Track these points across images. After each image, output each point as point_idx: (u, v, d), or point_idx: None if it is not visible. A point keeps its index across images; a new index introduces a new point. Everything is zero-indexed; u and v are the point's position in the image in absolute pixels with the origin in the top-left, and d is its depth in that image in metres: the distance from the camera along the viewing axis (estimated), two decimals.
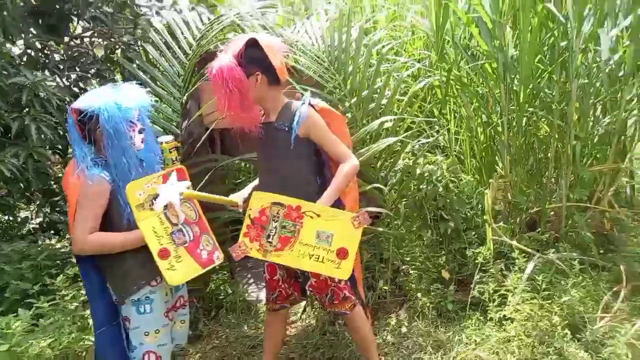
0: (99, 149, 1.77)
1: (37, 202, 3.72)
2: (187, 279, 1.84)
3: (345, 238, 1.84)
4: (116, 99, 1.72)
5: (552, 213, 3.15)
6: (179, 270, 1.79)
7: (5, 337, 1.88)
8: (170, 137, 1.93)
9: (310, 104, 1.94)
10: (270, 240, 1.85)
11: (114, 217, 1.78)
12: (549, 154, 3.02)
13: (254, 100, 1.89)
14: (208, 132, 2.72)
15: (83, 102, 1.72)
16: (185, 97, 2.91)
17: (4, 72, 2.72)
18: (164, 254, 1.79)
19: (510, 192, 3.04)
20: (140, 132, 1.79)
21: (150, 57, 3.07)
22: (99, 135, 1.73)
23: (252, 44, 1.83)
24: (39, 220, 4.01)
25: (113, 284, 1.83)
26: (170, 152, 1.91)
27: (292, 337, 2.81)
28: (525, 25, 2.55)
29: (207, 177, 2.78)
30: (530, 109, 2.90)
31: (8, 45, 3.28)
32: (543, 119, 3.01)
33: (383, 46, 2.91)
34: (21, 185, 3.24)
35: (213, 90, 1.89)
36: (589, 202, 3.02)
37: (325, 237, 1.84)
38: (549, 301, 2.34)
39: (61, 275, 2.28)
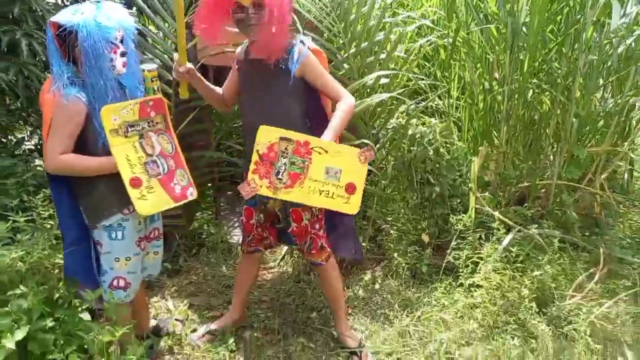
0: (77, 68, 1.73)
1: (34, 124, 3.71)
2: (157, 210, 1.83)
3: (352, 173, 1.82)
4: (97, 16, 1.65)
5: (542, 190, 3.11)
6: (150, 200, 1.78)
7: None
8: (153, 66, 1.87)
9: (303, 44, 1.87)
10: (280, 177, 1.81)
11: (89, 140, 1.74)
12: (548, 130, 2.95)
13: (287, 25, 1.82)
14: (199, 65, 2.65)
15: (62, 17, 1.65)
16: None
17: None
18: (136, 182, 1.76)
19: (502, 164, 2.99)
20: (122, 55, 1.73)
21: None
22: (78, 53, 1.68)
23: None
24: (34, 142, 4.02)
25: (85, 208, 1.83)
26: (153, 81, 1.85)
27: (268, 282, 2.85)
28: None
29: (195, 112, 2.76)
30: (535, 81, 2.80)
31: None
32: (546, 93, 2.91)
33: None
34: (7, 100, 3.22)
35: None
36: (581, 183, 2.98)
37: (333, 173, 1.82)
38: (521, 274, 2.34)
39: (40, 194, 2.29)
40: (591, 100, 2.84)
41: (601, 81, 2.86)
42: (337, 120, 1.87)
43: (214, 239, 3.21)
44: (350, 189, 1.83)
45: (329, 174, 1.82)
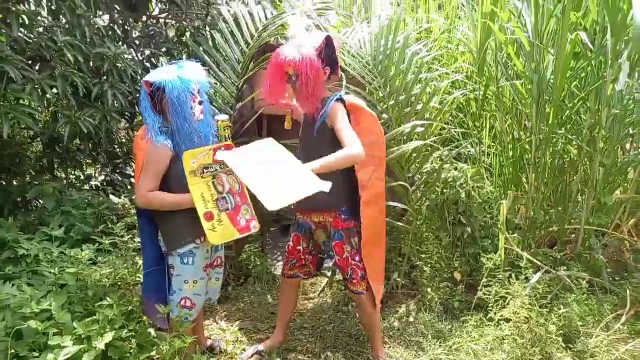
0: (165, 119, 2.07)
1: (102, 162, 4.19)
2: (224, 240, 2.12)
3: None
4: (179, 73, 2.01)
5: (572, 235, 3.26)
6: (219, 232, 2.07)
7: (73, 263, 2.27)
8: (225, 116, 2.19)
9: (341, 99, 2.18)
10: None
11: (172, 181, 2.06)
12: (576, 177, 3.14)
13: (321, 89, 2.16)
14: (257, 115, 3.02)
15: (152, 76, 2.02)
16: (241, 82, 3.23)
17: (90, 42, 3.13)
18: (209, 216, 2.07)
19: (531, 208, 3.18)
20: (199, 103, 2.06)
21: (216, 42, 3.42)
22: (165, 105, 2.02)
23: (329, 43, 2.11)
24: (101, 178, 4.50)
25: (164, 236, 2.14)
26: (224, 130, 2.16)
27: (309, 311, 3.09)
28: (561, 50, 2.69)
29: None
30: (561, 131, 3.03)
31: (95, 18, 3.73)
32: (573, 143, 3.12)
33: (424, 56, 3.11)
34: (91, 144, 3.68)
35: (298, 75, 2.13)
36: (609, 229, 3.12)
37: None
38: (548, 310, 2.49)
39: (120, 222, 2.65)
40: (615, 150, 3.02)
41: (622, 131, 3.05)
42: (327, 159, 2.01)
43: (259, 270, 3.49)
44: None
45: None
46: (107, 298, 2.10)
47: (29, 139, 3.60)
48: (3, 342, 1.82)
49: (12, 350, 1.81)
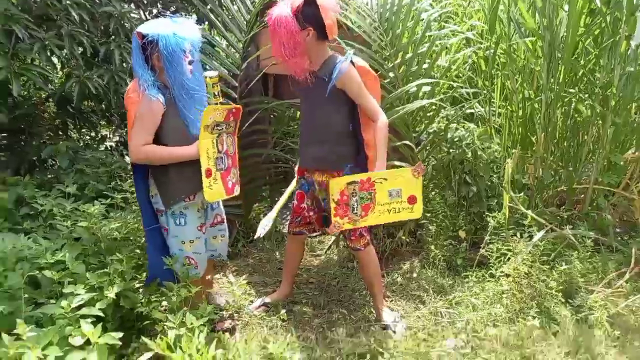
0: (155, 73, 2.03)
1: (116, 123, 4.27)
2: (216, 199, 2.20)
3: (410, 187, 2.17)
4: (175, 29, 1.97)
5: (582, 195, 3.24)
6: (214, 190, 2.13)
7: (86, 217, 2.36)
8: (214, 73, 2.10)
9: (351, 61, 2.18)
10: (355, 211, 2.17)
11: (163, 136, 2.05)
12: (586, 137, 3.09)
13: (302, 50, 2.16)
14: (261, 74, 3.02)
15: (146, 28, 1.97)
16: (247, 40, 3.22)
17: (97, 1, 3.14)
18: (209, 173, 2.10)
19: (540, 168, 3.16)
20: (190, 63, 2.04)
21: (222, 1, 3.39)
22: (156, 60, 2.00)
23: (309, 2, 2.08)
24: (115, 139, 4.59)
25: (159, 193, 2.14)
26: (213, 87, 2.12)
27: (315, 267, 3.17)
28: (573, 6, 2.60)
29: (255, 115, 3.13)
30: (572, 90, 2.96)
31: None
32: (586, 102, 3.06)
33: (432, 13, 3.03)
34: (104, 105, 3.74)
35: (269, 36, 2.18)
36: (618, 189, 3.08)
37: (395, 193, 2.17)
38: (549, 267, 2.52)
39: (130, 180, 2.73)
40: (628, 109, 2.96)
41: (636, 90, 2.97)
42: (381, 149, 2.19)
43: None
44: (411, 200, 2.18)
45: (392, 195, 2.17)
46: (118, 252, 2.19)
47: (44, 100, 3.67)
48: (21, 290, 1.93)
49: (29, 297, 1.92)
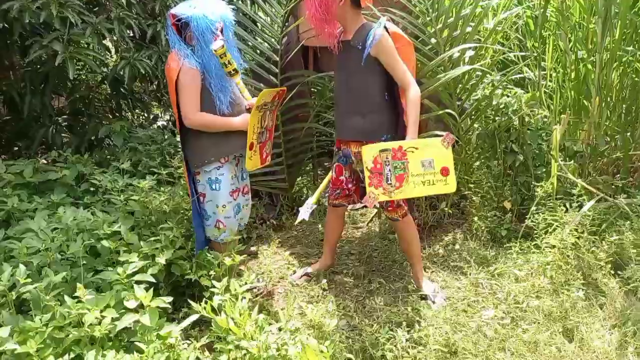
0: (190, 47, 2.15)
1: (167, 103, 4.45)
2: (254, 168, 2.35)
3: (442, 158, 2.15)
4: (205, 11, 2.07)
5: (639, 163, 3.05)
6: (253, 160, 2.32)
7: (137, 191, 2.53)
8: (219, 44, 2.11)
9: (384, 28, 2.15)
10: (389, 182, 2.15)
11: (204, 104, 2.17)
12: None
13: (335, 17, 2.15)
14: (300, 46, 3.03)
15: (179, 9, 2.10)
16: (286, 13, 3.22)
17: None
18: (251, 146, 2.27)
19: (594, 134, 2.99)
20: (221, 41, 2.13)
21: None
22: (189, 38, 2.13)
23: None
24: (167, 117, 4.80)
25: (190, 156, 2.28)
26: (221, 57, 2.15)
27: (357, 239, 3.22)
28: None
29: (296, 89, 3.16)
30: (630, 48, 2.75)
31: None
32: None
33: None
34: (155, 86, 3.91)
35: (305, 4, 2.19)
36: None
37: (428, 164, 2.15)
38: (599, 237, 2.42)
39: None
40: None
41: None
42: (412, 117, 2.15)
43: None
44: (444, 171, 2.14)
45: (425, 166, 2.14)
46: (168, 222, 2.34)
47: (99, 82, 3.89)
48: (81, 259, 2.11)
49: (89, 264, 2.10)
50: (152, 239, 2.25)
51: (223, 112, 2.20)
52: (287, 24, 3.25)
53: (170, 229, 2.29)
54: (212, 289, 2.01)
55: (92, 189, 2.84)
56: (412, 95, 2.16)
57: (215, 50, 2.12)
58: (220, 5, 2.16)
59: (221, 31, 2.14)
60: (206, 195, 2.31)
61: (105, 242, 2.14)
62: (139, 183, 2.59)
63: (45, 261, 2.00)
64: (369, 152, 2.14)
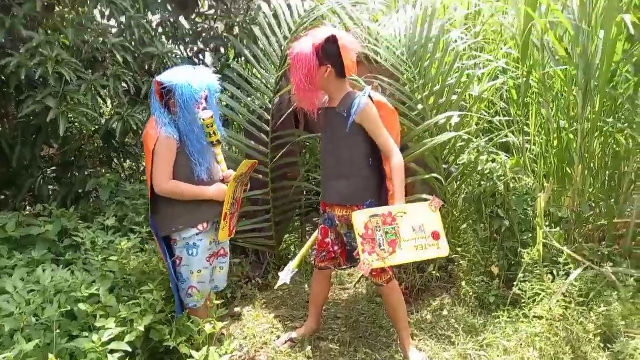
0: (171, 113, 2.18)
1: None
2: (224, 240, 2.34)
3: (431, 222, 2.15)
4: (190, 80, 2.11)
5: (624, 230, 3.07)
6: (224, 231, 2.30)
7: (118, 252, 2.49)
8: (208, 114, 2.17)
9: (369, 96, 2.21)
10: (382, 247, 2.14)
11: (176, 172, 2.18)
12: (627, 168, 2.95)
13: (320, 86, 2.22)
14: (292, 109, 3.10)
15: (165, 77, 2.13)
16: (279, 76, 3.32)
17: (140, 42, 3.34)
18: (225, 216, 2.27)
19: (578, 200, 3.03)
20: (204, 110, 2.17)
21: (257, 37, 3.52)
22: (172, 105, 2.15)
23: (331, 41, 2.14)
24: None
25: (161, 220, 2.25)
26: (207, 127, 2.20)
27: (343, 301, 3.16)
28: (607, 34, 2.52)
29: (286, 148, 3.20)
30: (610, 120, 2.85)
31: (149, 17, 3.95)
32: (625, 132, 2.92)
33: (460, 45, 3.02)
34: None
35: (290, 68, 2.26)
36: None
37: (419, 228, 2.15)
38: (587, 309, 2.39)
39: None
40: None
41: None
42: (398, 184, 2.20)
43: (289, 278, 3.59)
44: (435, 236, 2.14)
45: (416, 230, 2.14)
46: (148, 284, 2.29)
47: (90, 134, 3.90)
48: (58, 322, 2.04)
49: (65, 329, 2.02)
50: (131, 302, 2.19)
51: (202, 179, 2.21)
52: (280, 84, 3.34)
53: (151, 291, 2.23)
54: (190, 359, 1.94)
55: (73, 243, 2.78)
56: (396, 162, 2.20)
57: (203, 120, 2.15)
58: (207, 74, 2.21)
59: (205, 99, 2.18)
60: (183, 259, 2.27)
61: (82, 305, 2.07)
62: (119, 243, 2.55)
63: (18, 325, 1.93)
64: (360, 218, 2.14)
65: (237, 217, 2.42)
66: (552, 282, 2.59)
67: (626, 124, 2.86)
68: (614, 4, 2.48)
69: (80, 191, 3.45)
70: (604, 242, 3.01)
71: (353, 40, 2.25)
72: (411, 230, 2.14)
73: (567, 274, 2.59)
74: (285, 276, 2.53)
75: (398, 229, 2.13)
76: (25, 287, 2.14)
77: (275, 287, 2.68)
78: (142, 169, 4.32)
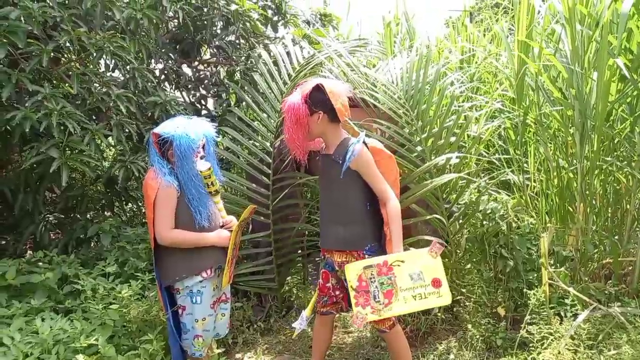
0: (170, 162, 2.21)
1: None
2: (226, 286, 2.32)
3: (431, 269, 2.10)
4: (187, 130, 2.14)
5: (630, 268, 3.04)
6: (227, 277, 2.28)
7: (118, 299, 2.46)
8: (205, 166, 2.19)
9: (364, 142, 2.24)
10: (377, 299, 2.10)
11: (182, 219, 2.18)
12: (629, 206, 2.94)
13: (314, 133, 2.25)
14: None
15: (162, 129, 2.16)
16: (280, 120, 3.38)
17: (144, 91, 3.42)
18: (228, 262, 2.25)
19: (581, 239, 3.01)
20: (201, 158, 2.21)
21: (257, 84, 3.61)
22: (170, 155, 2.18)
23: (318, 88, 2.20)
24: None
25: (163, 270, 2.24)
26: (205, 179, 2.20)
27: (347, 345, 3.09)
28: (601, 76, 2.58)
29: (288, 189, 3.22)
30: (609, 159, 2.87)
31: (152, 65, 4.06)
32: (626, 170, 2.94)
33: (456, 88, 3.09)
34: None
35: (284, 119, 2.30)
36: None
37: (417, 276, 2.10)
38: (596, 351, 2.33)
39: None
40: None
41: None
42: (395, 231, 2.17)
43: (301, 302, 3.54)
44: (435, 283, 2.09)
45: (414, 279, 2.09)
46: (148, 334, 2.25)
47: (92, 180, 3.94)
48: None
49: None
50: (131, 352, 2.15)
51: (203, 225, 2.21)
52: (280, 128, 3.39)
53: (150, 341, 2.19)
54: None
55: (73, 290, 2.76)
56: (391, 208, 2.19)
57: (201, 171, 2.17)
58: (203, 124, 2.25)
59: (203, 147, 2.22)
60: (186, 308, 2.24)
61: (80, 357, 2.04)
62: (119, 291, 2.53)
63: None
64: (352, 271, 2.11)
65: (235, 262, 2.41)
66: (560, 323, 2.55)
67: (625, 162, 2.88)
68: (605, 47, 2.54)
69: (81, 236, 3.45)
70: (610, 281, 2.97)
71: (340, 84, 2.30)
72: (409, 279, 2.08)
73: (575, 315, 2.55)
74: (300, 325, 2.49)
75: (395, 279, 2.08)
76: (23, 338, 2.11)
77: (294, 337, 2.65)
78: (143, 210, 4.33)
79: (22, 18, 2.65)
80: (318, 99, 2.19)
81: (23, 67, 2.67)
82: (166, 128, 2.16)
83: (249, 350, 3.03)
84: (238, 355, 2.96)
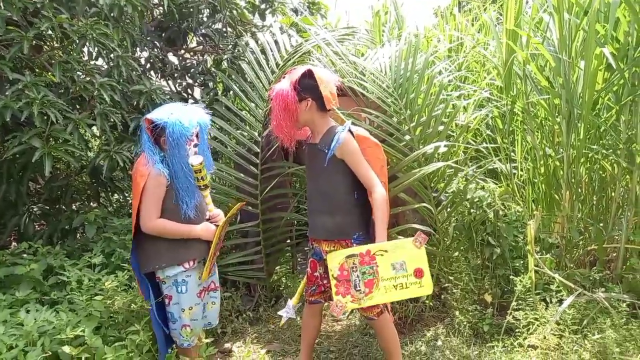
0: (162, 150, 2.16)
1: None
2: (205, 280, 2.28)
3: (415, 259, 2.08)
4: (181, 118, 2.09)
5: (614, 254, 3.09)
6: (206, 271, 2.25)
7: (103, 291, 2.43)
8: (198, 159, 2.14)
9: (349, 131, 2.22)
10: (358, 289, 2.10)
11: (165, 209, 2.15)
12: (614, 194, 2.98)
13: (302, 121, 2.23)
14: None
15: (155, 115, 2.11)
16: (268, 109, 3.35)
17: (129, 80, 3.36)
18: (211, 256, 2.23)
19: (567, 226, 3.05)
20: (195, 146, 2.17)
21: (245, 73, 3.57)
22: (163, 142, 2.14)
23: (308, 74, 2.18)
24: None
25: (144, 258, 2.21)
26: (197, 172, 2.16)
27: (336, 333, 3.10)
28: (588, 65, 2.59)
29: (277, 179, 3.21)
30: (595, 147, 2.90)
31: (137, 53, 3.99)
32: (611, 158, 2.97)
33: (445, 76, 3.09)
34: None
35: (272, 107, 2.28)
36: None
37: (400, 266, 2.08)
38: (581, 335, 2.37)
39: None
40: None
41: None
42: (379, 219, 2.15)
43: (290, 291, 3.55)
44: (418, 273, 2.08)
45: (396, 269, 2.08)
46: (134, 324, 2.23)
47: (77, 171, 3.88)
48: None
49: None
50: (118, 343, 2.13)
51: (189, 216, 2.17)
52: (268, 117, 3.36)
53: (137, 332, 2.17)
54: None
55: (59, 282, 2.73)
56: (377, 196, 2.17)
57: (192, 165, 2.14)
58: (198, 111, 2.21)
59: (197, 135, 2.17)
60: (172, 298, 2.22)
61: (66, 348, 2.01)
62: (104, 282, 2.50)
63: None
64: (334, 259, 2.11)
65: (216, 258, 2.37)
66: (546, 309, 2.58)
67: (610, 150, 2.91)
68: (593, 36, 2.55)
69: (67, 227, 3.41)
70: (594, 267, 3.01)
71: (329, 73, 2.29)
72: (391, 269, 2.07)
73: (560, 301, 2.58)
74: (287, 313, 2.49)
75: (377, 268, 2.07)
76: (7, 330, 2.08)
77: (281, 325, 2.65)
78: (130, 201, 4.29)
79: (0, 4, 2.57)
80: (307, 85, 2.17)
81: (3, 55, 2.61)
82: (159, 114, 2.11)
83: (238, 340, 3.04)
84: (227, 345, 2.96)
